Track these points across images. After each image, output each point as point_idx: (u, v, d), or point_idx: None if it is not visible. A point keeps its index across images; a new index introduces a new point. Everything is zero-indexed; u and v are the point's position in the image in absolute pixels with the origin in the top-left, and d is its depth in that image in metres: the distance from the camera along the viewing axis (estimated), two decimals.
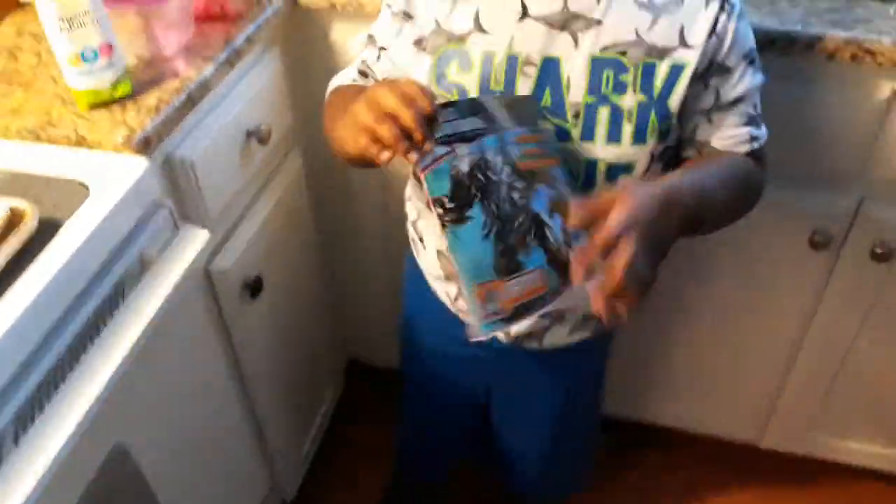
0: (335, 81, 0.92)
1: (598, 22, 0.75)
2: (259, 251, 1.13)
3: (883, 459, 1.42)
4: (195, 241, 0.85)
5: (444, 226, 0.69)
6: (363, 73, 0.89)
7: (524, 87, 0.76)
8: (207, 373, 1.06)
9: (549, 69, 0.76)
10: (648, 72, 0.75)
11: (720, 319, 1.31)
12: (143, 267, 0.82)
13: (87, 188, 0.79)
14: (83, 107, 0.86)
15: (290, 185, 1.21)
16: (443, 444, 1.26)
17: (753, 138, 0.81)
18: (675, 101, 0.76)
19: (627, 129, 0.76)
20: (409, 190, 0.97)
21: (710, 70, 0.77)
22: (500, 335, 0.93)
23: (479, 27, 0.77)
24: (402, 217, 1.00)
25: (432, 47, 0.79)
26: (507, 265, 0.69)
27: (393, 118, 0.66)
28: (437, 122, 0.67)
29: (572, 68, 0.76)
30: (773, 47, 0.97)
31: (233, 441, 1.18)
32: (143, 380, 0.83)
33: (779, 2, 1.01)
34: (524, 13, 0.76)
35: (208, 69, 0.93)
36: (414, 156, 0.67)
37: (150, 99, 0.88)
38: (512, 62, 0.76)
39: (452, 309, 0.97)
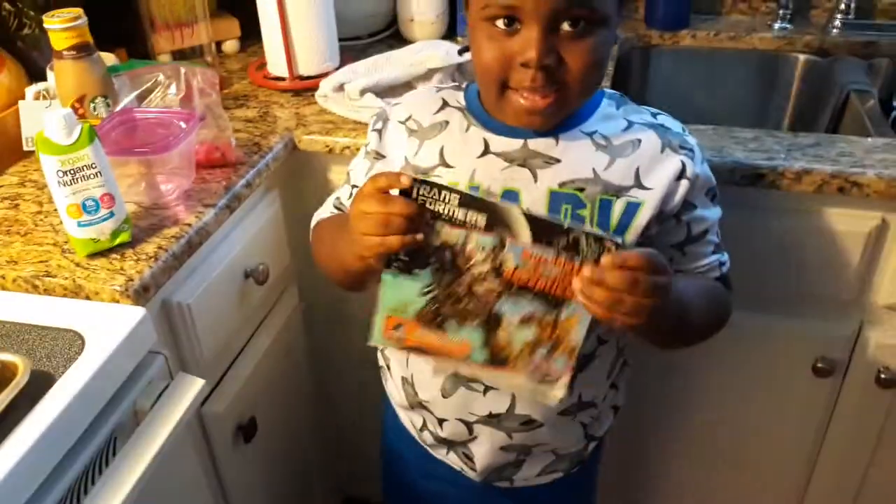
0: (316, 217, 0.94)
1: (557, 160, 0.78)
2: (254, 392, 1.11)
3: None
4: (190, 390, 0.82)
5: (388, 266, 0.70)
6: (338, 209, 0.92)
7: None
8: None
9: (509, 200, 0.77)
10: (605, 207, 0.77)
11: (730, 444, 1.27)
12: (136, 418, 0.80)
13: (82, 338, 0.78)
14: (81, 255, 0.87)
15: (286, 321, 1.20)
16: None
17: (721, 263, 0.86)
18: (630, 237, 0.78)
19: None
20: None
21: (683, 208, 0.81)
22: (468, 472, 0.94)
23: (444, 161, 0.81)
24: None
25: None
26: (430, 321, 0.72)
27: (385, 216, 0.67)
28: (432, 197, 0.67)
29: (532, 201, 0.78)
30: (763, 182, 0.99)
31: None
32: None
33: (763, 138, 1.05)
34: (486, 150, 0.80)
35: (208, 215, 0.95)
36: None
37: (149, 247, 0.88)
38: (473, 192, 0.78)
39: (419, 440, 0.97)
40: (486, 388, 0.85)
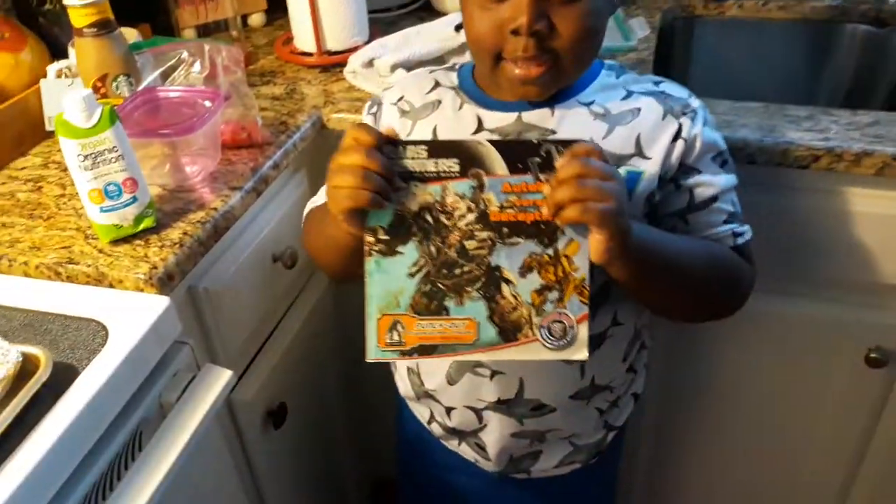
0: (309, 206, 0.91)
1: (553, 132, 0.76)
2: (283, 377, 1.08)
3: None
4: (217, 381, 0.80)
5: (369, 253, 0.66)
6: None
7: None
8: None
9: None
10: None
11: (768, 440, 1.23)
12: (162, 411, 0.77)
13: (105, 329, 0.76)
14: (104, 241, 0.84)
15: (315, 305, 1.17)
16: None
17: (736, 234, 0.79)
18: (633, 208, 0.75)
19: None
20: None
21: (680, 172, 0.77)
22: (483, 463, 0.92)
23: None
24: None
25: None
26: (427, 306, 0.67)
27: (362, 169, 0.64)
28: (399, 158, 0.65)
29: None
30: (818, 163, 0.93)
31: None
32: None
33: (818, 116, 0.99)
34: (479, 126, 0.78)
35: (234, 198, 0.91)
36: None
37: (174, 232, 0.85)
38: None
39: (430, 429, 0.95)
40: (494, 373, 0.83)
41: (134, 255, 0.82)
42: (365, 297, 0.67)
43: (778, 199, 0.98)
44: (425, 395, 0.90)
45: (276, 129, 1.05)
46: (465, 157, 0.64)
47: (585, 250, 0.65)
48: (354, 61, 1.17)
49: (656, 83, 0.80)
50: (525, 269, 0.66)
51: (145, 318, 0.76)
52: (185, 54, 1.01)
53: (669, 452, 1.30)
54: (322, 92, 1.17)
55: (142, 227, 0.84)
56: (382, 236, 0.66)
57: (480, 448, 0.91)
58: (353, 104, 1.12)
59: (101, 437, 0.71)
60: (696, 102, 0.78)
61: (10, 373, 0.68)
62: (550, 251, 0.66)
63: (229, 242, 0.94)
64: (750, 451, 1.25)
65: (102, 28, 0.94)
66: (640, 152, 0.75)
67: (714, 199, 0.78)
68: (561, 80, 0.74)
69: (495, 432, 0.88)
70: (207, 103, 0.94)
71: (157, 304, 0.78)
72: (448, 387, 0.87)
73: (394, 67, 1.12)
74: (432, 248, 0.66)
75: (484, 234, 0.66)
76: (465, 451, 0.94)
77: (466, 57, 1.14)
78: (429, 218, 0.66)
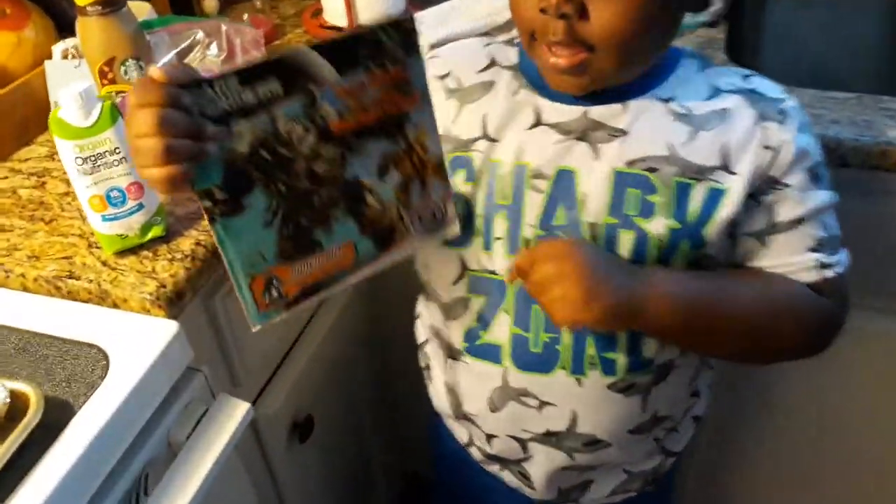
0: None
1: (623, 132, 0.65)
2: (309, 386, 1.00)
3: None
4: (234, 415, 0.71)
5: (213, 220, 0.56)
6: None
7: (533, 203, 0.67)
8: None
9: (564, 183, 0.66)
10: (682, 193, 0.64)
11: (833, 464, 1.12)
12: (171, 450, 0.69)
13: (107, 357, 0.67)
14: (108, 252, 0.75)
15: (342, 307, 1.08)
16: None
17: (824, 266, 0.66)
18: (712, 230, 0.64)
19: (653, 257, 0.65)
20: (420, 305, 0.86)
21: (763, 186, 0.65)
22: (527, 491, 0.84)
23: (487, 134, 0.69)
24: None
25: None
26: (296, 248, 0.60)
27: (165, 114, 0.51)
28: (208, 100, 0.54)
29: (591, 183, 0.65)
30: None
31: None
32: None
33: None
34: (537, 120, 0.67)
35: None
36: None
37: (186, 242, 0.76)
38: (519, 173, 0.66)
39: (469, 451, 0.86)
40: (542, 404, 0.73)
41: (140, 270, 0.73)
42: (225, 265, 0.58)
43: (873, 206, 0.85)
44: (464, 417, 0.82)
45: None
46: (287, 73, 0.55)
47: (434, 128, 0.60)
48: None
49: (745, 77, 0.68)
50: (382, 171, 0.61)
51: (152, 344, 0.68)
52: (200, 35, 0.90)
53: (725, 473, 1.20)
54: None
55: (149, 236, 0.75)
56: (220, 196, 0.56)
57: (524, 477, 0.83)
58: None
59: (101, 485, 0.63)
60: (791, 103, 0.66)
61: None
62: (402, 144, 0.60)
63: None
64: (811, 476, 1.15)
65: (108, 5, 0.83)
66: (725, 165, 0.63)
67: (800, 220, 0.66)
68: (599, 78, 0.63)
69: (542, 465, 0.79)
70: None
71: (166, 328, 0.69)
72: (490, 413, 0.77)
73: (432, 46, 1.00)
74: (280, 187, 0.58)
75: (331, 152, 0.58)
76: (508, 477, 0.85)
77: (515, 33, 1.02)
78: (265, 155, 0.56)
